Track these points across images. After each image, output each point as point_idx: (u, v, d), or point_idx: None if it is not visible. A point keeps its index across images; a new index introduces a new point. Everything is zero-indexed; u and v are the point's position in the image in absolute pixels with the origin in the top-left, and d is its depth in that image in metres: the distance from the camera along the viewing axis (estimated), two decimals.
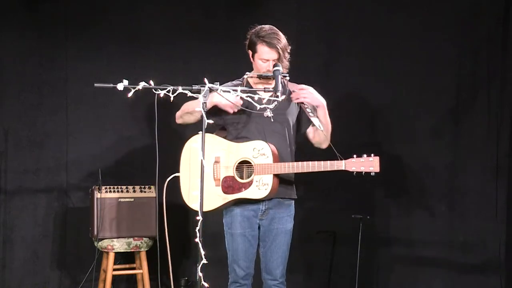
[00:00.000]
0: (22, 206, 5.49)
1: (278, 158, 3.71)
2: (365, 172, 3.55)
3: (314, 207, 5.60)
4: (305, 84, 3.95)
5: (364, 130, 5.69)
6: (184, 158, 3.89)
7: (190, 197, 3.77)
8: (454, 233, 5.54)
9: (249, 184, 3.71)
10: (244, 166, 3.74)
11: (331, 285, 5.68)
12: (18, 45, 5.52)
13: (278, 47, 3.72)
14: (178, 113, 3.97)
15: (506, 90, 5.48)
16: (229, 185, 3.76)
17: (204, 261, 3.30)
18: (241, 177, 3.75)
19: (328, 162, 3.56)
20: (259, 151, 3.70)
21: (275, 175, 3.68)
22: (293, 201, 3.90)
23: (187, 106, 3.85)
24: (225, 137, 3.87)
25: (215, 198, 3.78)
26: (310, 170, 3.60)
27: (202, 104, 3.35)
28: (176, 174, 3.85)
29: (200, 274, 3.31)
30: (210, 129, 3.90)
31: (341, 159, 3.55)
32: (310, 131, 3.94)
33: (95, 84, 3.36)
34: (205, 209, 3.71)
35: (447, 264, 5.52)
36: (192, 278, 5.48)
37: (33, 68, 5.54)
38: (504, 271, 5.43)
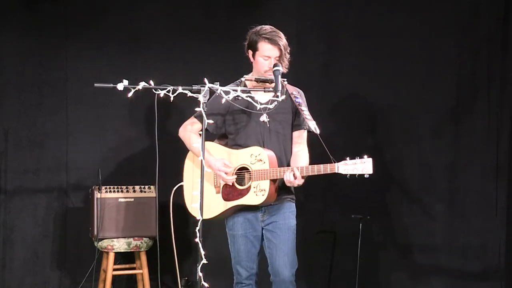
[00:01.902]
0: (22, 206, 5.49)
1: (276, 163, 3.70)
2: (359, 175, 3.52)
3: (314, 207, 5.60)
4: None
5: (364, 130, 5.69)
6: (186, 168, 3.91)
7: (192, 201, 3.76)
8: (454, 233, 5.54)
9: (247, 190, 3.70)
10: (244, 172, 3.74)
11: (331, 285, 5.68)
12: (18, 45, 5.51)
13: (280, 44, 3.71)
14: (182, 134, 3.93)
15: (506, 90, 5.48)
16: (229, 192, 3.77)
17: (204, 261, 3.30)
18: (241, 184, 3.74)
19: (322, 165, 3.53)
20: (256, 157, 3.69)
21: (272, 181, 3.66)
22: (294, 201, 3.88)
23: (188, 143, 3.85)
24: (225, 144, 3.88)
25: (215, 205, 3.78)
26: (304, 174, 3.58)
27: (202, 104, 3.36)
28: (181, 184, 3.85)
29: (200, 274, 3.31)
30: (210, 136, 3.91)
31: (334, 162, 3.53)
32: (295, 135, 3.90)
33: (95, 84, 3.37)
34: (207, 216, 3.71)
35: (447, 264, 5.52)
36: (192, 278, 5.48)
37: (33, 68, 5.53)
38: (504, 271, 5.43)
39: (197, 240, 3.31)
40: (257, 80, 3.77)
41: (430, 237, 5.56)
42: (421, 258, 5.57)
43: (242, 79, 3.82)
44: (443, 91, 5.59)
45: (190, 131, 3.88)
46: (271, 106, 3.59)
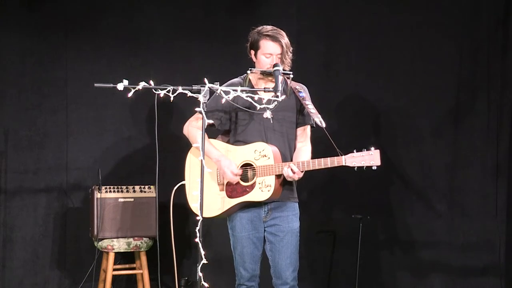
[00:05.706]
0: (22, 206, 5.49)
1: (280, 158, 3.69)
2: (366, 167, 3.50)
3: (314, 207, 5.59)
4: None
5: (364, 130, 5.69)
6: (188, 166, 3.89)
7: (193, 200, 3.75)
8: (454, 233, 5.54)
9: (252, 186, 3.69)
10: (247, 169, 3.73)
11: (331, 285, 5.68)
12: (18, 45, 5.51)
13: (282, 42, 3.73)
14: (187, 132, 3.92)
15: (506, 90, 5.48)
16: (233, 189, 3.75)
17: (204, 261, 3.30)
18: (245, 180, 3.73)
19: (329, 158, 3.53)
20: (260, 153, 3.68)
21: (278, 176, 3.65)
22: (297, 202, 3.87)
23: (192, 140, 3.84)
24: (227, 142, 3.87)
25: (220, 203, 3.77)
26: (311, 168, 3.57)
27: (202, 104, 3.36)
28: (183, 183, 3.84)
29: (200, 274, 3.31)
30: (213, 133, 3.90)
31: (341, 155, 3.52)
32: (299, 132, 3.90)
33: (95, 84, 3.36)
34: (211, 214, 3.71)
35: (447, 264, 5.52)
36: (192, 278, 5.48)
37: (33, 68, 5.53)
38: (504, 270, 5.43)
39: (197, 240, 3.30)
40: (262, 73, 3.76)
41: (430, 237, 5.56)
42: (422, 258, 5.57)
43: (248, 72, 3.80)
44: (443, 91, 5.59)
45: (194, 127, 3.85)
46: (271, 106, 3.59)
